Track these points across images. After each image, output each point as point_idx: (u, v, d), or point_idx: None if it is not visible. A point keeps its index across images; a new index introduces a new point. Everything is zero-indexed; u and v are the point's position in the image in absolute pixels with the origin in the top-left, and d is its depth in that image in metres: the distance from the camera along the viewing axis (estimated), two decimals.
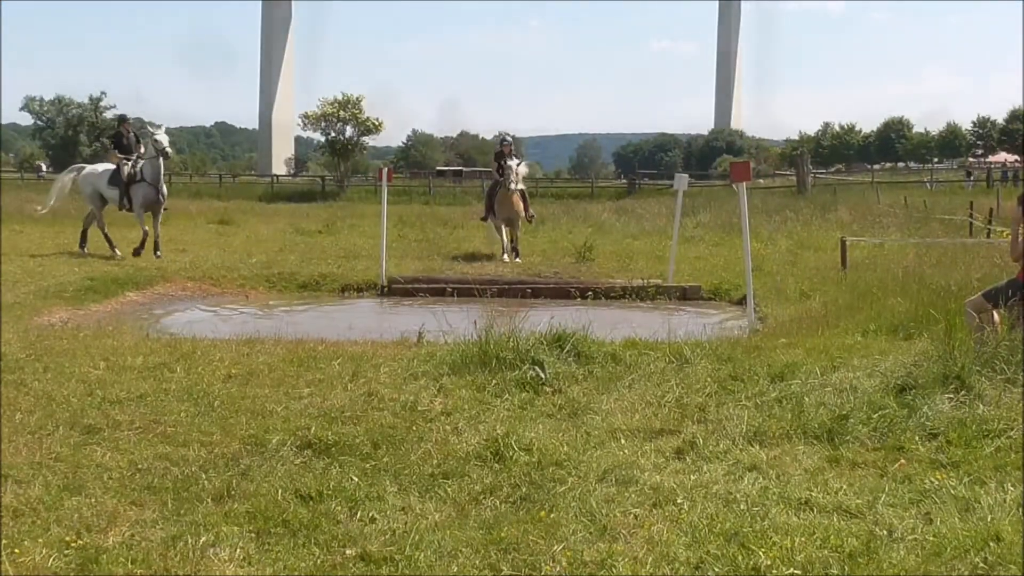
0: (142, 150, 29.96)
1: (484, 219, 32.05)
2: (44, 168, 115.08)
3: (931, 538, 6.95)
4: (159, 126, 30.39)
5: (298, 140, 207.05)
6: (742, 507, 7.60)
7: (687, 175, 28.92)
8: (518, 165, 30.23)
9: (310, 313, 21.12)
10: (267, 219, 47.59)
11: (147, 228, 29.11)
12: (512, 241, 29.71)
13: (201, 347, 13.50)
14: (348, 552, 6.86)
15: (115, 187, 29.68)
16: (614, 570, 6.55)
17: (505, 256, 28.98)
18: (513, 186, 29.53)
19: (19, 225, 37.85)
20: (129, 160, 29.82)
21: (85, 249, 29.68)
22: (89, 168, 31.32)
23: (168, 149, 29.25)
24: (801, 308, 18.33)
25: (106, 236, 29.65)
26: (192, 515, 7.51)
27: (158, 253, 28.68)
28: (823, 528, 7.16)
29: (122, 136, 30.87)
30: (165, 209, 31.01)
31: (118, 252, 28.86)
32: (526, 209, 30.38)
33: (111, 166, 30.24)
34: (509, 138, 31.49)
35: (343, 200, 75.37)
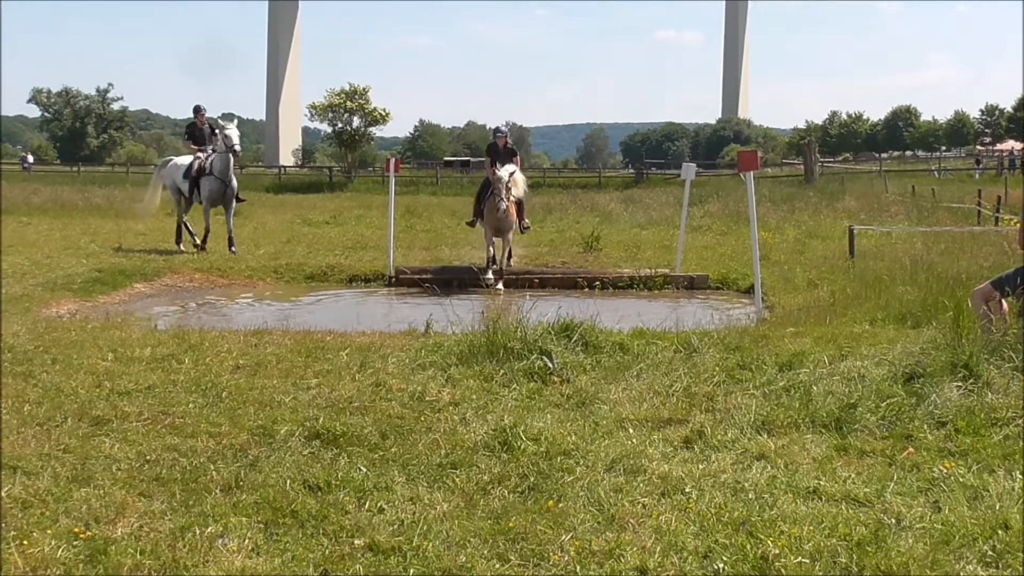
0: (217, 142, 29.50)
1: (471, 223, 27.45)
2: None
3: (939, 526, 6.94)
4: (232, 119, 29.82)
5: (305, 131, 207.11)
6: (750, 496, 7.59)
7: (695, 164, 28.74)
8: (511, 174, 25.11)
9: (322, 304, 21.12)
10: (274, 210, 47.58)
11: (210, 223, 29.10)
12: (503, 256, 25.15)
13: (209, 338, 13.48)
14: (356, 542, 6.85)
15: (188, 180, 29.57)
16: (622, 560, 6.54)
17: (489, 273, 24.32)
18: (505, 204, 24.65)
19: (27, 217, 37.86)
20: (204, 151, 29.66)
21: (181, 245, 29.50)
22: (173, 160, 31.18)
23: (237, 146, 28.81)
24: (809, 297, 18.35)
25: (182, 226, 29.75)
26: (200, 506, 7.51)
27: (232, 248, 28.28)
28: (831, 517, 7.15)
29: (196, 127, 30.63)
30: (240, 200, 30.82)
31: (182, 246, 28.82)
32: (520, 219, 26.04)
33: (190, 158, 30.06)
34: (504, 129, 26.99)
35: (350, 191, 75.29)
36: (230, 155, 28.76)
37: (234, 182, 29.32)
